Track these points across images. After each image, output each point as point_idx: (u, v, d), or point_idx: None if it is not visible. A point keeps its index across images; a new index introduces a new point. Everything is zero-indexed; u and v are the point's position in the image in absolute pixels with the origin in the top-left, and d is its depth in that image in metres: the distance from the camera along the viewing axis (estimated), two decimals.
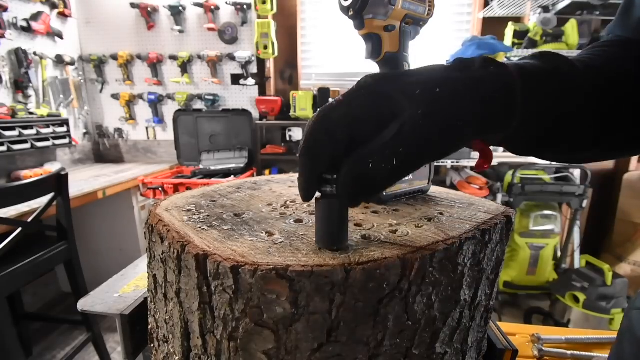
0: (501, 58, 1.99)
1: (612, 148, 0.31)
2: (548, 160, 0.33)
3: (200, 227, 0.34)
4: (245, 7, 2.42)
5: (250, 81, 2.56)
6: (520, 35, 2.09)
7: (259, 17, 2.37)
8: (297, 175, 0.60)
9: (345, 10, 0.38)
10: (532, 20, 2.05)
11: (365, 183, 0.23)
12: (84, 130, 2.69)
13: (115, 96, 2.69)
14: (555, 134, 0.27)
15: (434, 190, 0.48)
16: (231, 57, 2.52)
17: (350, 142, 0.25)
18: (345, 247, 0.28)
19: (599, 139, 0.30)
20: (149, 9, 2.49)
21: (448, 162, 2.20)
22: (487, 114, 0.23)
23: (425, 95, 0.22)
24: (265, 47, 2.35)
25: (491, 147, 0.30)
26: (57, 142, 2.22)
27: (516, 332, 0.72)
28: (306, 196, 0.27)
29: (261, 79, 2.58)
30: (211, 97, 2.60)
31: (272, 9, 2.30)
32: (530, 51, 2.03)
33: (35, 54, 2.19)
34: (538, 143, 0.28)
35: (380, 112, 0.24)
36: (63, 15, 2.43)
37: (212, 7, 2.44)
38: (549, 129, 0.27)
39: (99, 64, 2.63)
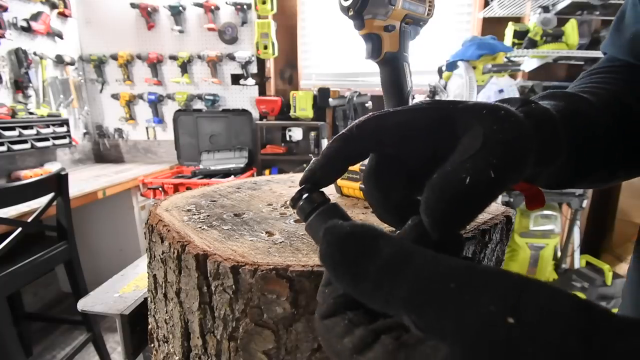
0: (501, 58, 1.99)
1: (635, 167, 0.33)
2: (586, 187, 0.34)
3: (200, 227, 0.34)
4: (245, 7, 2.42)
5: (250, 81, 2.56)
6: (520, 35, 2.09)
7: (259, 17, 2.37)
8: (297, 175, 0.60)
9: (345, 10, 0.38)
10: (532, 20, 2.05)
11: (465, 203, 0.18)
12: (84, 130, 2.69)
13: (115, 96, 2.69)
14: (587, 166, 0.29)
15: None
16: (231, 57, 2.52)
17: (394, 157, 0.23)
18: None
19: (624, 164, 0.31)
20: (149, 9, 2.49)
21: None
22: (541, 148, 0.22)
23: (492, 114, 0.20)
24: (265, 47, 2.35)
25: None
26: (57, 142, 2.22)
27: None
28: (316, 175, 0.23)
29: (261, 79, 2.58)
30: (211, 97, 2.60)
31: (272, 9, 2.30)
32: (531, 51, 2.03)
33: (35, 54, 2.19)
34: (575, 174, 0.29)
35: (437, 129, 0.22)
36: (63, 15, 2.43)
37: (212, 7, 2.44)
38: (583, 162, 0.28)
39: (99, 64, 2.63)
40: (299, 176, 0.59)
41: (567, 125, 0.25)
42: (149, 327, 0.41)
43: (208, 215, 0.38)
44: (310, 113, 2.43)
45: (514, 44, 2.11)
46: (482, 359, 0.12)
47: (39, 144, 2.08)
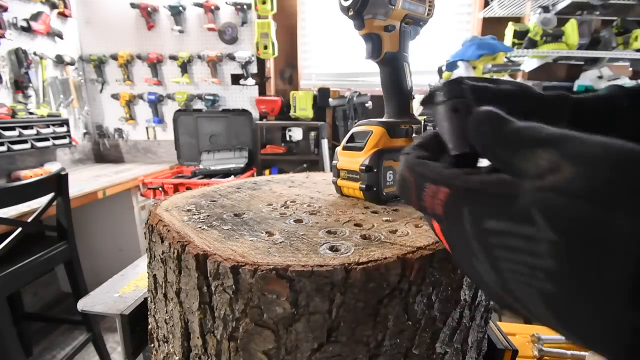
0: (501, 58, 1.99)
1: None
2: None
3: (200, 227, 0.34)
4: (245, 7, 2.42)
5: (250, 81, 2.56)
6: (520, 35, 2.09)
7: (259, 17, 2.37)
8: (297, 175, 0.60)
9: (345, 10, 0.38)
10: (532, 20, 2.05)
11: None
12: (84, 130, 2.69)
13: (115, 96, 2.69)
14: None
15: None
16: (231, 57, 2.52)
17: None
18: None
19: None
20: (149, 9, 2.49)
21: None
22: None
23: None
24: (265, 47, 2.35)
25: None
26: (57, 142, 2.22)
27: (516, 332, 0.72)
28: None
29: (261, 79, 2.58)
30: (211, 97, 2.60)
31: (272, 9, 2.30)
32: (531, 51, 2.03)
33: (35, 54, 2.19)
34: None
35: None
36: (63, 15, 2.43)
37: (212, 7, 2.44)
38: None
39: (99, 64, 2.63)
40: (299, 176, 0.59)
41: None
42: (149, 327, 0.41)
43: (208, 215, 0.38)
44: (310, 113, 2.43)
45: (514, 44, 2.11)
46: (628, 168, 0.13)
47: (39, 144, 2.08)
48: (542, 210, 0.14)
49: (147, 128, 2.76)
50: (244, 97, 2.63)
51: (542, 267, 0.14)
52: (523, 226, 0.14)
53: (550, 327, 0.15)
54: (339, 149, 0.46)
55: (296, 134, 2.54)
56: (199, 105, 2.66)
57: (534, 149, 0.16)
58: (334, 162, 0.46)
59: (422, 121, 0.45)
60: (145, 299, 0.45)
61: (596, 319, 0.13)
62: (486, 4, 2.23)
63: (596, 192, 0.13)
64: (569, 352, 0.65)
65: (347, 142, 0.46)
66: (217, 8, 2.46)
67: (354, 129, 0.46)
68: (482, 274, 0.17)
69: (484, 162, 0.21)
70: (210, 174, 2.31)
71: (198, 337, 0.31)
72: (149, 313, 0.41)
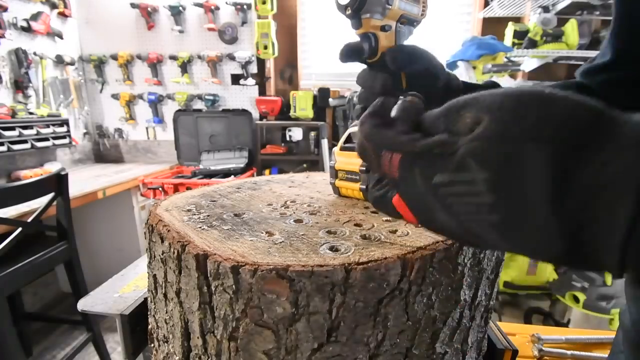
0: (501, 58, 1.99)
1: None
2: None
3: (200, 227, 0.34)
4: (245, 7, 2.42)
5: (250, 81, 2.56)
6: (520, 35, 2.09)
7: (259, 17, 2.37)
8: (297, 175, 0.60)
9: (342, 9, 0.38)
10: (532, 20, 2.05)
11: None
12: (84, 130, 2.69)
13: (115, 96, 2.69)
14: None
15: None
16: (231, 57, 2.52)
17: None
18: None
19: None
20: (149, 9, 2.48)
21: None
22: None
23: None
24: (265, 47, 2.35)
25: None
26: (57, 142, 2.21)
27: (516, 332, 0.72)
28: None
29: (261, 79, 2.58)
30: (211, 97, 2.60)
31: (272, 9, 2.29)
32: (531, 51, 2.03)
33: (35, 54, 2.19)
34: None
35: None
36: (63, 15, 2.43)
37: (212, 7, 2.44)
38: None
39: (99, 64, 2.63)
40: (299, 176, 0.59)
41: None
42: (149, 327, 0.41)
43: (208, 215, 0.38)
44: (310, 113, 2.43)
45: (514, 44, 2.10)
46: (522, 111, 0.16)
47: (39, 144, 2.08)
48: (473, 157, 0.17)
49: (147, 128, 2.76)
50: (244, 97, 2.63)
51: (484, 202, 0.17)
52: (463, 173, 0.17)
53: (507, 251, 0.19)
54: (336, 150, 0.46)
55: (296, 134, 2.54)
56: (199, 105, 2.66)
57: (459, 112, 0.19)
58: (330, 162, 0.46)
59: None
60: (145, 299, 0.45)
61: (534, 232, 0.16)
62: (486, 4, 2.23)
63: (507, 130, 0.16)
64: (569, 352, 0.65)
65: (345, 142, 0.45)
66: (217, 8, 2.46)
67: (351, 129, 0.46)
68: (444, 223, 0.20)
69: None
70: (210, 174, 2.31)
71: (198, 337, 0.31)
72: (149, 313, 0.41)
